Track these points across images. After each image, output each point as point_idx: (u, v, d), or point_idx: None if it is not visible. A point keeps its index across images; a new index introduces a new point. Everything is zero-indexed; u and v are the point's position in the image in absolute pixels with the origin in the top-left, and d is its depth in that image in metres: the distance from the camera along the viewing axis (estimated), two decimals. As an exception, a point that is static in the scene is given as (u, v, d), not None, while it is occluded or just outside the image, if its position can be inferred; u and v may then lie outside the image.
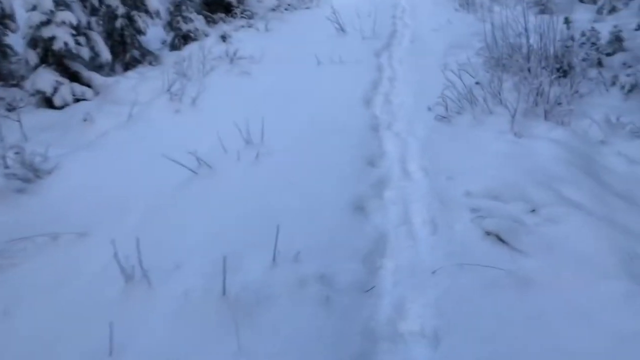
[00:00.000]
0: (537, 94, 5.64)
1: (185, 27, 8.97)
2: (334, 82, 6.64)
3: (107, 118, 5.65)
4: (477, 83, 6.01)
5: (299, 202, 3.75)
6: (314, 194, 3.89)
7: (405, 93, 6.40)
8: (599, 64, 6.71)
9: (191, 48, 8.61)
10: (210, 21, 10.43)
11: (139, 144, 4.89)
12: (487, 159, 4.39)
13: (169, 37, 9.17)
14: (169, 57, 8.21)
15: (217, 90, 6.54)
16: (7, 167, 4.16)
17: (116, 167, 4.45)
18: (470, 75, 6.23)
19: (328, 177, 4.16)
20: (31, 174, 4.18)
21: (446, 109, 5.58)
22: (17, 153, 4.25)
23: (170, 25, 9.08)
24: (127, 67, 7.77)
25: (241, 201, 3.80)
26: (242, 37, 9.06)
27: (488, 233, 3.38)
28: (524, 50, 6.83)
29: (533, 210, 3.54)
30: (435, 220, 3.65)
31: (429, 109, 5.79)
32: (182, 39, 9.04)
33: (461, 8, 10.76)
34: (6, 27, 6.66)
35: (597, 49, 6.88)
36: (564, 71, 6.52)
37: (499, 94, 5.70)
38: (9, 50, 6.77)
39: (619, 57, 6.77)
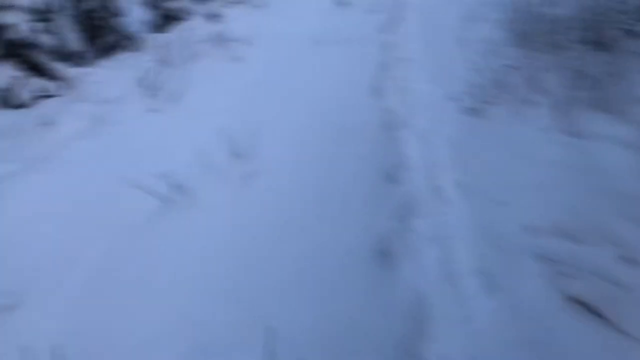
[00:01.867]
0: (580, 76, 4.42)
1: (169, 5, 7.63)
2: (337, 65, 5.39)
3: (69, 121, 4.44)
4: (508, 65, 4.76)
5: (302, 252, 2.58)
6: (321, 234, 2.73)
7: (421, 78, 5.15)
8: (633, 33, 5.44)
9: (177, 29, 7.30)
10: (199, -3, 9.06)
11: (101, 159, 3.70)
12: (542, 171, 3.20)
13: (153, 17, 7.83)
14: (154, 41, 6.89)
15: (203, 80, 5.29)
16: None
17: (67, 196, 3.26)
18: (496, 55, 4.96)
19: (337, 204, 2.99)
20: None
21: (475, 98, 4.36)
22: None
23: (154, 4, 7.73)
24: (105, 54, 6.48)
25: (222, 251, 2.64)
26: (236, 14, 7.73)
27: (573, 300, 2.23)
28: (553, 21, 5.59)
29: (631, 260, 2.38)
30: (490, 273, 2.49)
31: (453, 98, 4.57)
32: (167, 19, 7.71)
33: (470, -26, 9.37)
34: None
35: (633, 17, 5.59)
36: (599, 45, 5.28)
37: (536, 78, 4.46)
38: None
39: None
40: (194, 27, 7.23)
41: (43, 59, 5.44)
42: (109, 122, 4.39)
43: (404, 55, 5.86)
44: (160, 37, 6.98)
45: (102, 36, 6.54)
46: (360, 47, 6.02)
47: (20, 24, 5.10)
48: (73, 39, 5.70)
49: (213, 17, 7.55)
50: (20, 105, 5.06)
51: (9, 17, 5.02)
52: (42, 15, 5.43)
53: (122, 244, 2.82)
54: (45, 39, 5.40)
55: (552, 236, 2.62)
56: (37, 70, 5.39)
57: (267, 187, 3.15)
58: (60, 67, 5.49)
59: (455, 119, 4.22)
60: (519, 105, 4.26)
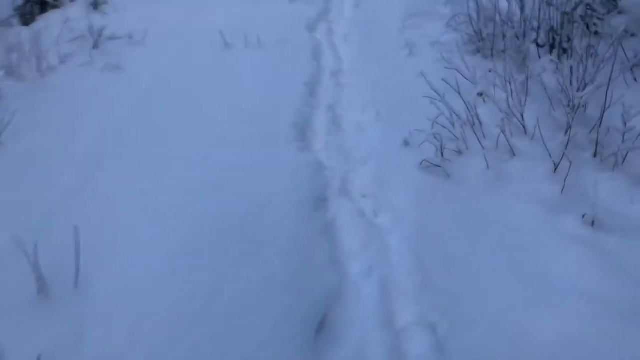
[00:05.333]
0: (563, 102, 3.06)
1: (39, -12, 5.61)
2: (248, 84, 3.76)
3: None
4: (480, 94, 3.30)
5: None
6: None
7: (361, 104, 3.62)
8: (595, 32, 4.11)
9: (46, 21, 5.35)
10: (90, -24, 6.99)
11: None
12: (570, 323, 1.78)
13: (19, 3, 5.78)
14: (12, 38, 4.90)
15: (54, 108, 3.52)
16: None
17: None
18: (454, 67, 3.42)
19: None
20: None
21: (440, 149, 2.87)
22: None
23: (18, -15, 5.69)
24: None
25: None
26: (125, 3, 5.79)
27: None
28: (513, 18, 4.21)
29: None
30: None
31: (406, 143, 3.08)
32: (39, 5, 5.70)
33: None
34: None
35: (591, 10, 4.24)
36: (565, 50, 3.96)
37: (521, 116, 3.02)
38: None
39: (616, 21, 4.14)
40: (70, 18, 5.30)
41: None
42: None
43: (337, 66, 4.29)
44: (24, 32, 5.01)
45: None
46: (283, 52, 4.38)
47: None
48: None
49: (97, 4, 5.61)
50: None
51: None
52: None
53: None
54: None
55: None
56: None
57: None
58: None
59: (410, 180, 2.74)
60: (498, 155, 2.84)
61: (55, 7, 5.66)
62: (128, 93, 3.70)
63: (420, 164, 2.84)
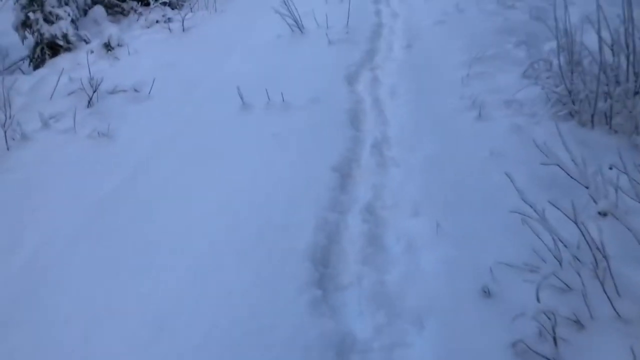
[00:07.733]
0: None
1: (47, 29, 4.75)
2: (259, 170, 2.64)
3: None
4: (602, 214, 2.02)
5: None
6: None
7: (412, 201, 2.40)
8: None
9: (53, 67, 4.47)
10: (119, 12, 6.17)
11: None
12: None
13: (29, 47, 4.96)
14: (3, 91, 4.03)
15: (8, 198, 2.55)
16: None
17: None
18: (541, 143, 2.13)
19: None
20: None
21: (552, 329, 1.62)
22: None
23: (28, 26, 4.86)
24: None
25: None
26: (143, 43, 4.85)
27: None
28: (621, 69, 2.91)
29: None
30: None
31: (486, 292, 1.85)
32: (49, 48, 4.86)
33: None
34: None
35: None
36: None
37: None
38: None
39: None
40: (79, 64, 4.41)
41: None
42: None
43: (383, 134, 3.11)
44: (21, 83, 4.14)
45: None
46: (313, 116, 3.24)
47: None
48: None
49: (110, 47, 4.70)
50: None
51: None
52: None
53: None
54: None
55: None
56: None
57: None
58: None
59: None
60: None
61: (67, 49, 4.81)
62: (104, 178, 2.69)
63: (514, 345, 1.62)
